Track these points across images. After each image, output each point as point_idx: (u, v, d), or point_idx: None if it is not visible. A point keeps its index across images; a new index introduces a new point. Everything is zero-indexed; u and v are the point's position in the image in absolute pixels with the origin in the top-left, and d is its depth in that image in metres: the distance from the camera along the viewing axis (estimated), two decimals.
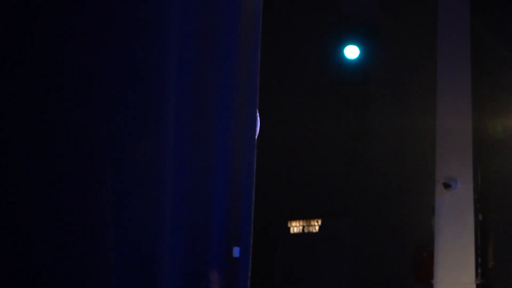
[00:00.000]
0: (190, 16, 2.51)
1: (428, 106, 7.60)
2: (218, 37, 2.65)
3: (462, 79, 7.37)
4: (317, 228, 9.74)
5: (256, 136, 3.11)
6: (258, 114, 3.07)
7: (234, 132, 2.70)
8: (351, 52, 9.18)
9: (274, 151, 9.21)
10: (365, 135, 9.70)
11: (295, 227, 9.82)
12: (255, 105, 2.87)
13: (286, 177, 9.77)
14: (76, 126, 2.16)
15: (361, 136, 9.74)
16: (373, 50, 9.26)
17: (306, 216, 9.74)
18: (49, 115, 2.14)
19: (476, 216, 7.31)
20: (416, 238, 8.91)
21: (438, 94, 7.40)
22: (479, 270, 7.43)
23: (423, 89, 7.97)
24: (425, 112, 7.71)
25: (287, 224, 9.83)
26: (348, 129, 9.77)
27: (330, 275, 9.62)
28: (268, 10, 3.06)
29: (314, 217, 9.72)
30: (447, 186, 7.20)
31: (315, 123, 9.49)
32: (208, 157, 2.57)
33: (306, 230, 9.79)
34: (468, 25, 7.72)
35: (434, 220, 7.28)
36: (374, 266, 9.38)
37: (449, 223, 7.16)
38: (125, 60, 2.26)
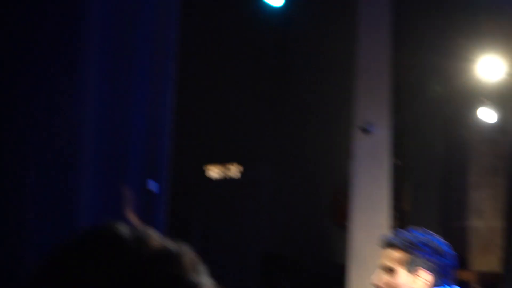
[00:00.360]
0: None
1: (348, 50, 7.61)
2: None
3: (382, 23, 7.39)
4: (235, 173, 9.75)
5: None
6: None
7: (153, 76, 2.72)
8: None
9: (195, 98, 9.13)
10: (285, 79, 9.71)
11: (213, 172, 9.80)
12: (173, 51, 2.88)
13: (205, 124, 9.73)
14: None
15: (280, 81, 9.74)
16: None
17: (224, 161, 9.74)
18: None
19: (392, 160, 7.40)
20: (333, 182, 9.01)
21: (358, 38, 7.41)
22: (395, 214, 7.56)
23: (343, 33, 7.97)
24: (345, 56, 7.72)
25: (204, 168, 9.81)
26: (268, 74, 9.75)
27: (249, 220, 9.66)
28: None
29: (232, 162, 9.73)
30: (364, 130, 7.24)
31: (235, 69, 9.44)
32: (127, 97, 2.59)
33: (224, 176, 9.79)
34: None
35: (351, 164, 7.34)
36: (293, 210, 9.46)
37: (365, 167, 7.23)
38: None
